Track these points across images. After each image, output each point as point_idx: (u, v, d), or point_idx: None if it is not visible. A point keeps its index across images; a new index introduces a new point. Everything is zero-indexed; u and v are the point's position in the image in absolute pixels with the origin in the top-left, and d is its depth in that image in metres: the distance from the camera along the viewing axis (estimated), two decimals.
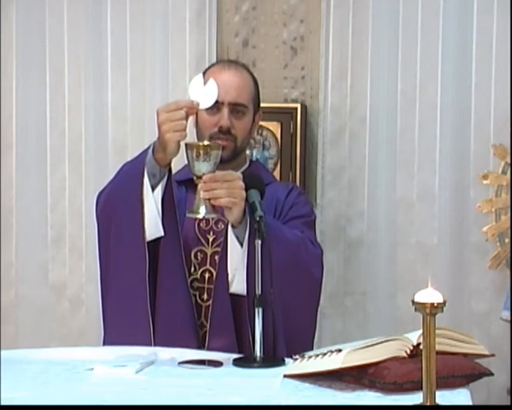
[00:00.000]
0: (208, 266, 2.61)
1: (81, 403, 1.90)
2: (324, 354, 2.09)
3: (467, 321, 3.24)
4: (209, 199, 2.33)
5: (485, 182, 3.23)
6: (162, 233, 2.47)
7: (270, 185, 2.62)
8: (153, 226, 2.46)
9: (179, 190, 2.66)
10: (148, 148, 2.48)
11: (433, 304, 1.71)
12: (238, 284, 2.42)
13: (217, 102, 2.48)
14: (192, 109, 2.39)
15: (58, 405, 1.90)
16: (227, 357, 2.32)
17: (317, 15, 3.38)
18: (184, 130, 2.37)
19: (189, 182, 2.64)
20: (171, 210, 2.49)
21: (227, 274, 2.44)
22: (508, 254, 3.19)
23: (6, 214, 3.56)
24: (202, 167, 2.32)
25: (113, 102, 3.48)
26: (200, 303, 2.58)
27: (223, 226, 2.59)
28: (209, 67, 2.82)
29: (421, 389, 1.75)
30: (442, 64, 3.26)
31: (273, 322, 2.38)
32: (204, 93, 2.38)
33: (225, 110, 2.66)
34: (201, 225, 2.64)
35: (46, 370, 2.21)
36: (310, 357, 2.15)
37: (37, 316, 3.55)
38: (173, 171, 2.55)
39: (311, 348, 2.52)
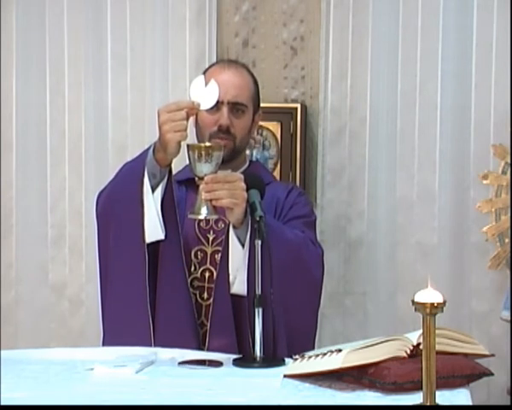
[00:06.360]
0: (208, 265, 2.61)
1: (81, 403, 1.90)
2: (324, 354, 2.09)
3: (467, 321, 3.24)
4: (210, 200, 2.33)
5: (485, 182, 3.23)
6: (162, 237, 2.47)
7: (270, 185, 2.62)
8: (152, 228, 2.46)
9: (179, 189, 2.66)
10: (149, 148, 2.48)
11: (433, 304, 1.71)
12: (239, 285, 2.41)
13: (217, 101, 2.48)
14: (193, 110, 2.39)
15: (58, 405, 1.90)
16: (227, 357, 2.32)
17: (317, 15, 3.38)
18: (185, 130, 2.38)
19: (189, 182, 2.65)
20: (171, 211, 2.49)
21: (228, 273, 2.44)
22: (508, 254, 3.19)
23: (6, 214, 3.56)
24: (204, 168, 2.32)
25: (113, 102, 3.47)
26: (201, 302, 2.58)
27: (223, 225, 2.59)
28: (209, 67, 2.83)
29: (421, 389, 1.75)
30: (442, 64, 3.26)
31: (273, 322, 2.38)
32: (205, 94, 2.38)
33: (225, 109, 2.67)
34: (201, 224, 2.64)
35: (46, 370, 2.21)
36: (310, 357, 2.15)
37: (37, 316, 3.54)
38: (174, 171, 2.55)
39: (313, 348, 2.52)
